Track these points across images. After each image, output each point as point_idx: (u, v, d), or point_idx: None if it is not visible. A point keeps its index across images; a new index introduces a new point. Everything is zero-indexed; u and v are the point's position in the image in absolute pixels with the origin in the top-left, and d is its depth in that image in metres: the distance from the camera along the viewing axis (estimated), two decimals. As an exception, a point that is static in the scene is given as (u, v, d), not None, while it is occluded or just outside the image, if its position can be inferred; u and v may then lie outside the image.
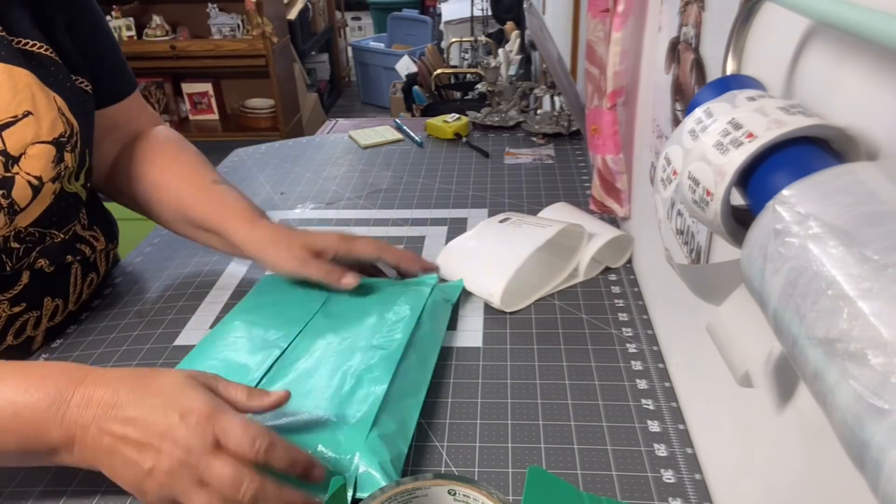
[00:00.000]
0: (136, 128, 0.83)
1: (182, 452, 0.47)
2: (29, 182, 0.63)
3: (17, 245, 0.66)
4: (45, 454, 0.50)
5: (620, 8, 0.72)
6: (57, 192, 0.67)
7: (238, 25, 3.14)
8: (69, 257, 0.74)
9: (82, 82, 0.71)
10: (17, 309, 0.69)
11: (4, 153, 0.61)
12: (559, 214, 0.86)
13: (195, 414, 0.48)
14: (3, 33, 0.64)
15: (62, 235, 0.71)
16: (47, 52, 0.67)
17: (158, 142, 0.82)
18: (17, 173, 0.62)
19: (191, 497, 0.48)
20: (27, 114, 0.62)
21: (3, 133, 0.62)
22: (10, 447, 0.50)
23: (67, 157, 0.66)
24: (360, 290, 0.72)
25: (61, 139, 0.65)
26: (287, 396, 0.54)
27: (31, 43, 0.66)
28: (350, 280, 0.71)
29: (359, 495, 0.50)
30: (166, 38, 3.12)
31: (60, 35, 0.70)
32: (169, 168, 0.79)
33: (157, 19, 3.13)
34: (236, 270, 0.85)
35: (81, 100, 0.70)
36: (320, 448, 0.53)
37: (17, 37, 0.65)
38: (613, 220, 0.88)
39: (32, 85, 0.63)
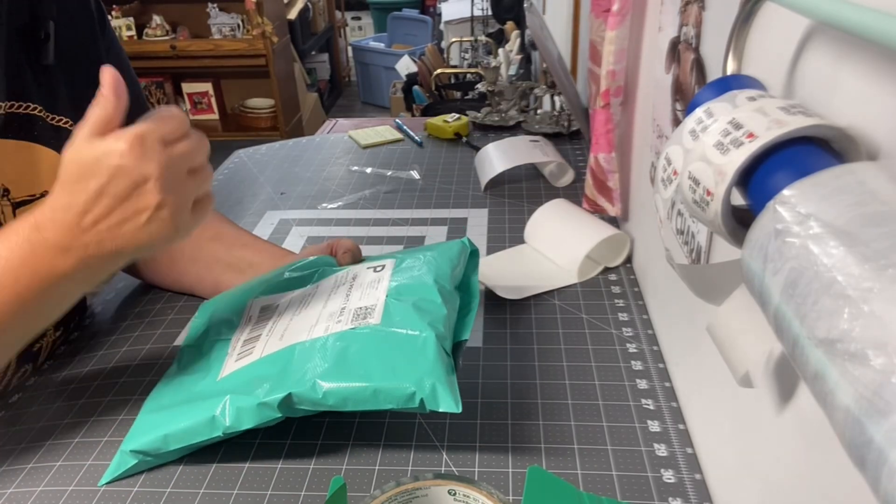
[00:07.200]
0: None
1: (158, 164, 0.48)
2: None
3: None
4: (49, 275, 0.50)
5: (615, 7, 0.72)
6: None
7: (238, 25, 3.14)
8: None
9: None
10: None
11: None
12: (555, 212, 0.86)
13: (129, 140, 0.48)
14: (40, 110, 0.64)
15: None
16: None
17: None
18: None
19: (190, 184, 0.51)
20: (45, 194, 0.62)
21: (18, 211, 0.62)
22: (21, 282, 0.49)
23: None
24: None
25: None
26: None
27: (65, 120, 0.66)
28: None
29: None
30: (166, 37, 3.12)
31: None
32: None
33: (157, 19, 3.13)
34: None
35: None
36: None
37: (53, 113, 0.65)
38: (614, 220, 0.88)
39: (57, 166, 0.62)
